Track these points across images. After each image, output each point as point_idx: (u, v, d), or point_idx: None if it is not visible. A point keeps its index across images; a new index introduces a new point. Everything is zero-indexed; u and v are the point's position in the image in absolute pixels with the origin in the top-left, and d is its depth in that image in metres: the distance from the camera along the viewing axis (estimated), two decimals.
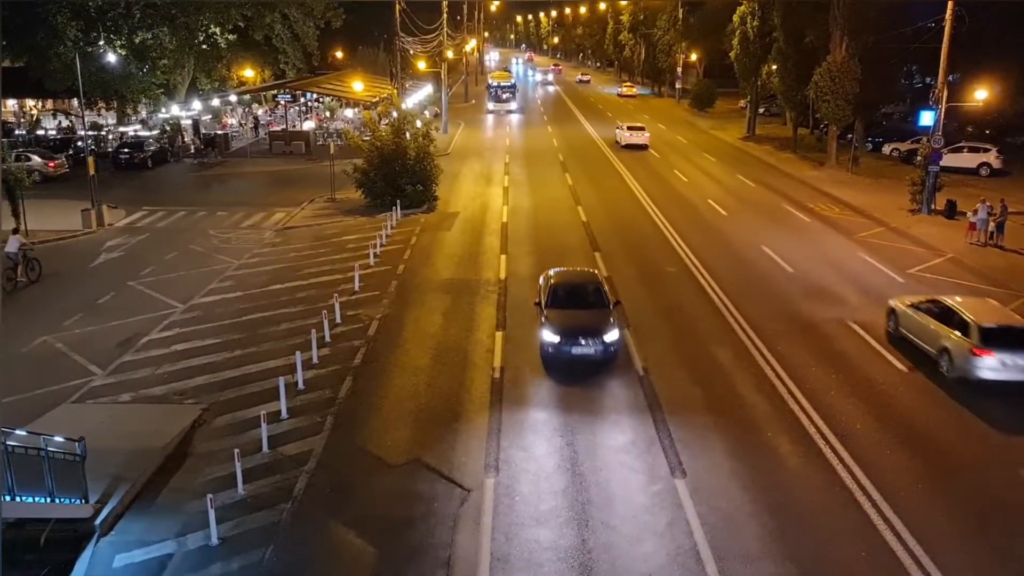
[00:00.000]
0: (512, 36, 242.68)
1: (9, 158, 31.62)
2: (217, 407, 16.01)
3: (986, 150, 42.55)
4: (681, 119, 70.86)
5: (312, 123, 58.70)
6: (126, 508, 12.67)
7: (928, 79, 47.99)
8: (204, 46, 50.36)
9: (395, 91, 51.88)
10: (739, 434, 14.98)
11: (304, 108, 63.88)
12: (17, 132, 50.79)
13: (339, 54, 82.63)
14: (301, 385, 16.74)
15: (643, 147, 51.17)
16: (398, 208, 32.13)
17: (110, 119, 54.35)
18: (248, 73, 66.10)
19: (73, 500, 11.98)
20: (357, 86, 57.70)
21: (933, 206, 33.11)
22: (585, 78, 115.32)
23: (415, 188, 33.34)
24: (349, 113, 61.34)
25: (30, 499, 11.27)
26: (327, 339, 19.17)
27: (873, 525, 12.29)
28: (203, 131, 51.79)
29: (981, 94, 36.20)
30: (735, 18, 55.75)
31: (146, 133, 50.90)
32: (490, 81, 78.09)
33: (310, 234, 30.14)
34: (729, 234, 29.73)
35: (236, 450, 13.32)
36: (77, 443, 12.28)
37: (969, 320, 16.88)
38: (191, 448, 14.55)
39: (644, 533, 12.08)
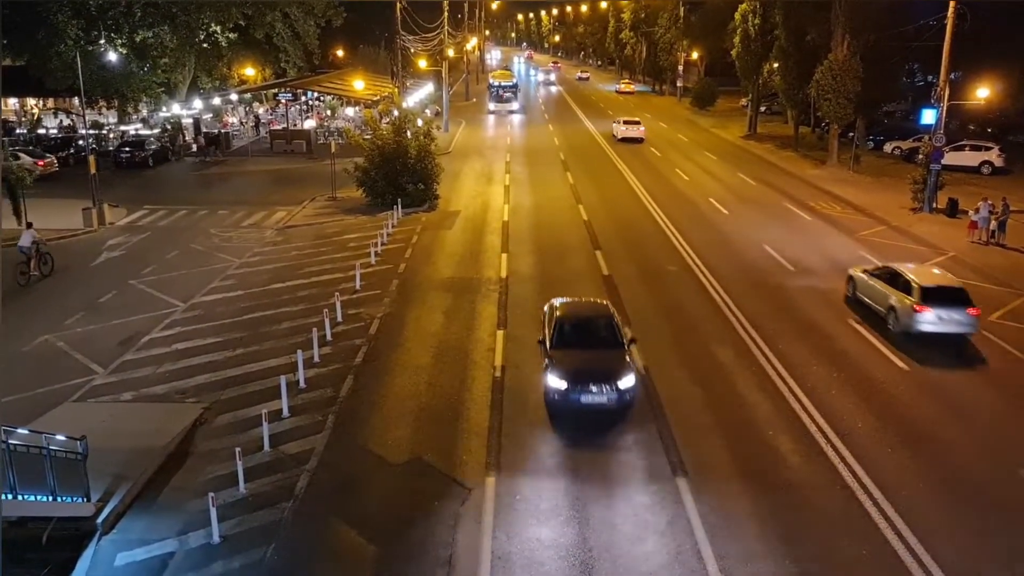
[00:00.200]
0: (513, 34, 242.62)
1: None
2: (218, 406, 16.02)
3: (988, 148, 42.51)
4: (682, 117, 70.83)
5: (313, 122, 58.69)
6: (128, 506, 12.69)
7: (930, 77, 47.97)
8: (205, 45, 50.41)
9: (396, 90, 51.89)
10: (741, 433, 14.99)
11: (305, 107, 63.90)
12: (18, 131, 50.80)
13: (340, 53, 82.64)
14: (302, 384, 16.75)
15: (639, 140, 53.25)
16: (399, 207, 32.13)
17: (111, 118, 54.37)
18: (249, 72, 66.12)
19: (75, 498, 11.99)
20: (358, 85, 57.69)
21: (935, 205, 33.08)
22: (584, 75, 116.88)
23: (416, 187, 33.34)
24: (350, 112, 61.33)
25: (32, 497, 11.29)
26: (328, 338, 19.18)
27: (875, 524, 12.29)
28: (205, 129, 51.79)
29: (983, 92, 36.20)
30: (736, 16, 55.71)
31: (147, 132, 50.93)
32: (491, 80, 76.81)
33: (311, 233, 30.15)
34: (730, 233, 29.71)
35: (237, 449, 13.33)
36: (79, 442, 12.30)
37: (912, 281, 19.34)
38: (192, 447, 14.56)
39: (645, 532, 12.09)
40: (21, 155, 39.31)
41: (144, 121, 54.88)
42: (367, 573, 11.34)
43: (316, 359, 17.96)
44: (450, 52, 73.66)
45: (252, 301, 22.18)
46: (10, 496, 10.89)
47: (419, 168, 33.59)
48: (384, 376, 17.39)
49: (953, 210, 32.31)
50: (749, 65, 55.63)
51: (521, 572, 11.25)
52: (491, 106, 70.90)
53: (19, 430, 12.06)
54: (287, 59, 57.56)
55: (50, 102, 58.84)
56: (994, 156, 41.92)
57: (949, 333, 18.96)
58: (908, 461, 14.11)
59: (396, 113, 35.53)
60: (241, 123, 60.11)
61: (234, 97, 62.73)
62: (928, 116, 33.78)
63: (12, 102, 57.67)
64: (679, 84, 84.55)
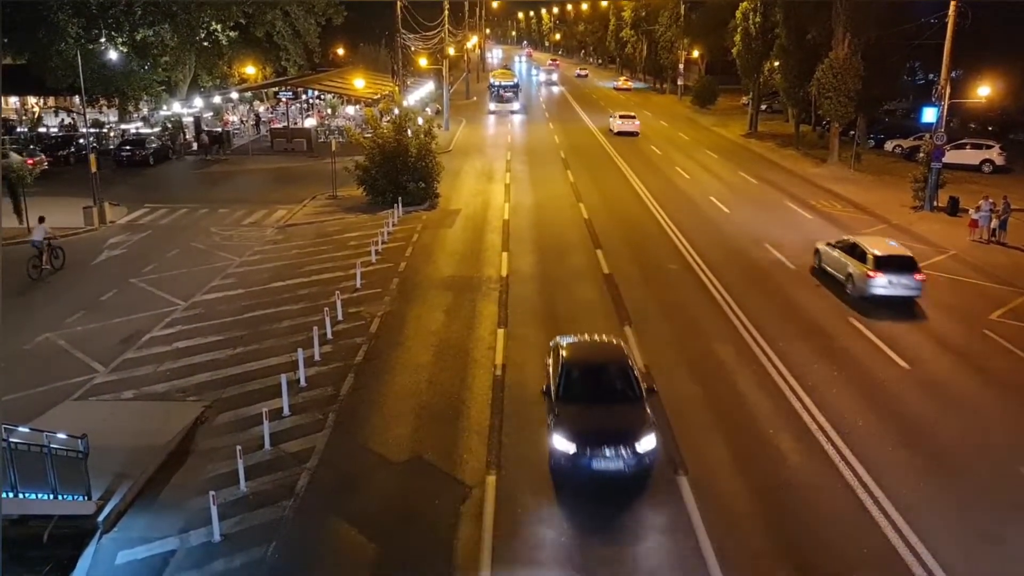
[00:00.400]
0: (514, 33, 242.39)
1: None
2: (219, 404, 16.03)
3: (989, 147, 42.47)
4: (683, 116, 70.79)
5: (313, 120, 58.69)
6: (129, 505, 12.70)
7: (931, 75, 47.98)
8: (205, 43, 50.40)
9: (396, 88, 51.86)
10: (743, 432, 14.99)
11: (305, 105, 63.88)
12: (19, 130, 50.80)
13: (340, 51, 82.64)
14: (303, 382, 16.75)
15: (634, 134, 55.40)
16: (400, 205, 32.13)
17: (112, 116, 54.37)
18: (249, 70, 66.11)
19: (76, 497, 12.01)
20: (358, 83, 57.66)
21: (936, 203, 33.06)
22: (583, 72, 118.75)
23: (417, 185, 33.33)
24: (351, 110, 61.31)
25: (33, 496, 11.30)
26: (329, 336, 19.18)
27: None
28: (206, 128, 51.79)
29: (984, 91, 36.16)
30: (737, 15, 55.69)
31: (148, 130, 50.92)
32: (491, 80, 75.12)
33: (312, 231, 30.15)
34: (731, 231, 29.70)
35: (238, 447, 13.35)
36: (80, 440, 12.31)
37: (867, 251, 21.76)
38: (193, 445, 14.58)
39: (647, 532, 12.10)
40: (11, 153, 39.30)
41: (145, 119, 54.87)
42: (367, 571, 11.35)
43: (317, 357, 17.96)
44: (450, 50, 73.56)
45: (253, 299, 22.19)
46: (11, 494, 10.89)
47: (420, 166, 33.57)
48: (385, 374, 17.40)
49: (954, 208, 32.28)
50: (750, 63, 55.59)
51: (522, 571, 11.26)
52: (491, 106, 69.54)
53: (20, 428, 12.07)
54: (288, 57, 57.55)
55: (51, 100, 58.83)
56: (995, 154, 41.88)
57: (898, 296, 21.37)
58: (909, 460, 14.10)
59: (397, 111, 35.52)
60: (242, 122, 60.10)
61: (235, 95, 62.70)
62: (929, 114, 33.75)
63: (13, 101, 57.68)
64: (680, 82, 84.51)
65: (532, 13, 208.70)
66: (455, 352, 18.54)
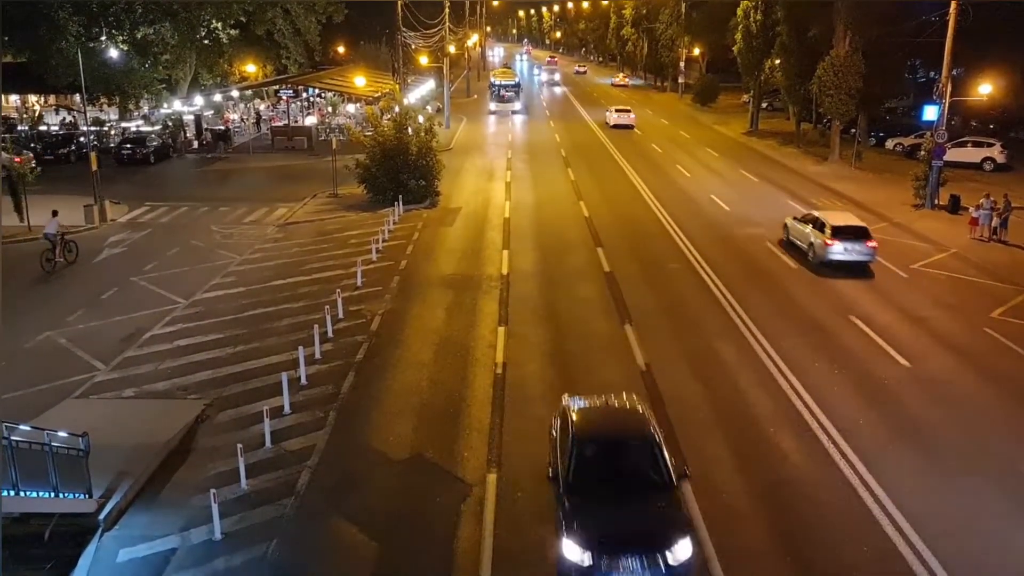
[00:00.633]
0: (514, 31, 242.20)
1: None
2: (220, 402, 16.03)
3: (990, 145, 42.43)
4: (684, 114, 70.75)
5: (314, 118, 58.64)
6: (130, 503, 12.71)
7: (932, 73, 47.81)
8: (206, 41, 50.42)
9: (397, 86, 51.82)
10: (743, 430, 14.99)
11: (306, 103, 63.84)
12: (20, 128, 50.81)
13: (341, 49, 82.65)
14: (304, 380, 16.76)
15: (630, 127, 57.60)
16: (400, 203, 32.12)
17: (112, 114, 54.39)
18: (250, 68, 66.14)
19: (77, 495, 12.01)
20: (359, 81, 57.64)
21: (936, 201, 33.04)
22: (582, 69, 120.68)
23: (417, 183, 33.32)
24: (351, 108, 61.27)
25: (34, 494, 11.30)
26: (330, 334, 19.18)
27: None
28: (207, 126, 51.79)
29: (985, 89, 36.08)
30: (738, 12, 55.62)
31: (148, 129, 50.94)
32: (492, 79, 73.80)
33: (312, 229, 30.15)
34: (732, 229, 29.68)
35: (239, 445, 13.35)
36: (81, 438, 12.32)
37: (825, 222, 24.61)
38: (194, 443, 14.58)
39: None
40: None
41: (145, 118, 54.88)
42: (368, 570, 11.35)
43: (317, 356, 17.97)
44: (451, 49, 73.45)
45: (253, 298, 22.19)
46: (12, 492, 10.89)
47: (420, 164, 33.56)
48: (385, 372, 17.40)
49: (955, 207, 32.25)
50: (751, 61, 55.52)
51: (523, 569, 11.26)
52: (492, 106, 67.90)
53: (21, 426, 12.06)
54: (288, 55, 57.62)
55: (51, 99, 58.87)
56: (996, 152, 41.83)
57: (853, 260, 24.19)
58: (910, 458, 14.10)
59: (397, 110, 35.52)
60: (242, 120, 60.10)
61: (235, 94, 62.70)
62: (930, 112, 33.71)
63: (13, 99, 57.69)
64: (681, 80, 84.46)
65: (533, 11, 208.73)
66: (456, 350, 18.54)
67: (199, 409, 15.66)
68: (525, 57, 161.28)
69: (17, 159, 36.67)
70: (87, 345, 18.89)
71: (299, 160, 45.40)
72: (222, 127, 51.17)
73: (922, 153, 34.74)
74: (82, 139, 43.76)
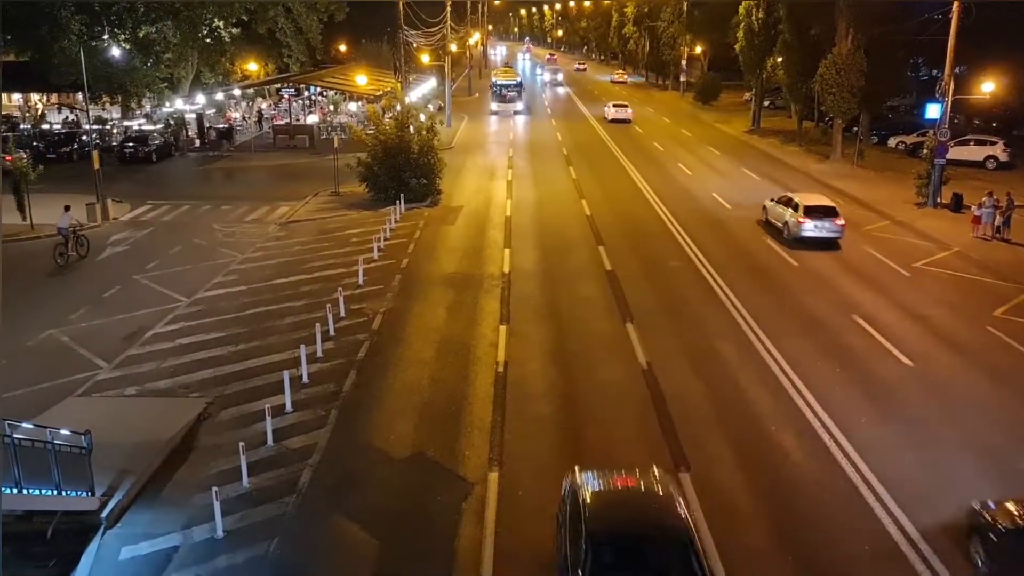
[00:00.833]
0: (516, 30, 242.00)
1: None
2: (222, 401, 16.05)
3: (992, 143, 42.33)
4: (685, 112, 70.68)
5: (316, 117, 58.66)
6: (132, 501, 12.74)
7: (934, 71, 47.83)
8: (208, 40, 50.31)
9: (399, 85, 51.82)
10: (745, 428, 14.99)
11: (308, 102, 63.85)
12: (22, 127, 50.86)
13: (343, 48, 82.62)
14: (305, 379, 16.78)
15: (627, 121, 59.25)
16: (402, 202, 32.13)
17: (114, 113, 54.42)
18: (252, 67, 66.10)
19: (79, 493, 12.04)
20: (361, 80, 57.61)
21: (939, 199, 32.99)
22: (582, 66, 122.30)
23: (419, 182, 33.32)
24: (353, 107, 61.29)
25: (37, 492, 11.34)
26: (331, 333, 19.20)
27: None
28: (211, 124, 51.80)
29: (988, 87, 36.00)
30: (740, 11, 55.54)
31: (150, 127, 50.97)
32: (493, 79, 72.37)
33: (314, 228, 30.17)
34: (734, 228, 29.67)
35: (241, 443, 13.37)
36: (83, 436, 12.36)
37: (798, 202, 27.35)
38: (196, 441, 14.61)
39: None
40: None
41: (147, 116, 54.92)
42: (369, 568, 11.37)
43: (319, 354, 17.98)
44: (453, 47, 73.42)
45: (255, 296, 22.22)
46: (15, 490, 10.93)
47: (422, 163, 33.55)
48: (387, 371, 17.42)
49: (957, 205, 32.19)
50: (753, 60, 55.44)
51: (523, 568, 11.27)
52: (493, 106, 66.31)
53: (24, 424, 12.11)
54: (290, 54, 57.47)
55: (54, 97, 58.89)
56: (999, 151, 41.73)
57: (823, 237, 26.60)
58: (910, 458, 14.10)
59: (399, 108, 35.51)
60: (244, 118, 60.12)
61: (237, 92, 62.72)
62: (933, 111, 33.61)
63: (16, 98, 57.70)
64: (682, 79, 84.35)
65: (535, 10, 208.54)
66: (457, 349, 18.55)
67: (201, 407, 15.69)
68: (527, 56, 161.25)
69: (8, 158, 36.71)
70: (89, 343, 18.93)
71: (301, 159, 45.42)
72: (226, 126, 51.19)
73: (924, 151, 34.66)
74: (84, 138, 43.81)
